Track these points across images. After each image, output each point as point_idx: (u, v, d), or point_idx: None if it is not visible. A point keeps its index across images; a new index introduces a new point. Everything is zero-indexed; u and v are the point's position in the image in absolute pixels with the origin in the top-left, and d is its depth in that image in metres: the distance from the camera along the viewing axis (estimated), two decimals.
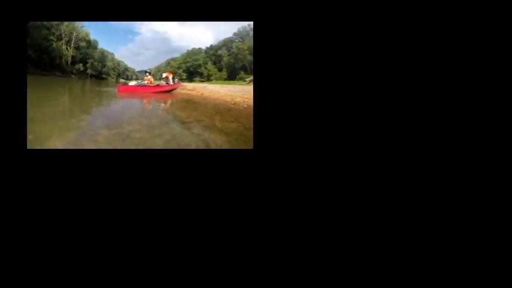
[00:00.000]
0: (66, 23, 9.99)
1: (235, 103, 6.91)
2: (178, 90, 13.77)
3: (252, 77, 2.07)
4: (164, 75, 11.06)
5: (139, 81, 9.30)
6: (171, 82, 10.01)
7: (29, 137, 2.25)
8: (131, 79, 9.41)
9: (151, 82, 8.83)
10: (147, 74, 9.24)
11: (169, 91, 9.30)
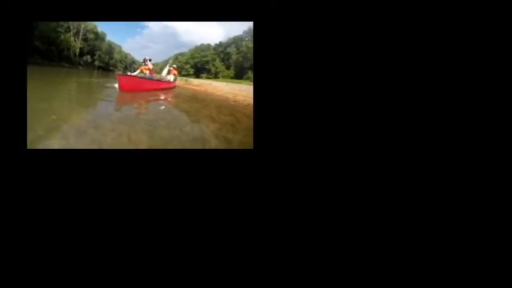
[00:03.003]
0: None
1: (235, 101, 6.91)
2: (183, 85, 13.68)
3: None
4: (171, 70, 10.57)
5: (134, 72, 7.37)
6: (172, 78, 9.38)
7: (53, 117, 2.56)
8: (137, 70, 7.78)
9: (151, 71, 7.41)
10: (147, 62, 7.44)
11: (169, 88, 8.46)
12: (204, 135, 2.56)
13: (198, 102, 5.85)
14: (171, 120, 3.21)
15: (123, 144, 2.08)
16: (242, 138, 2.58)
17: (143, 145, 2.07)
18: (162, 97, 5.78)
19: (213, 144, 2.27)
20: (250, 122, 3.67)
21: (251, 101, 7.18)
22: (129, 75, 6.27)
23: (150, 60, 7.45)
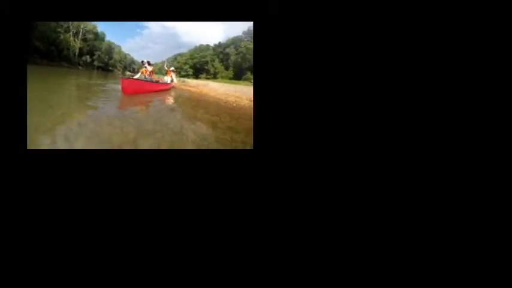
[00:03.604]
0: None
1: (226, 101, 7.18)
2: (180, 86, 13.88)
3: None
4: (168, 72, 10.99)
5: (137, 75, 7.77)
6: (169, 80, 9.87)
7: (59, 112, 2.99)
8: (137, 73, 8.01)
9: (150, 73, 7.80)
10: (145, 64, 7.77)
11: (167, 90, 8.88)
12: (183, 131, 2.99)
13: (189, 103, 6.17)
14: (158, 118, 3.58)
15: (116, 133, 2.47)
16: (219, 135, 2.92)
17: (131, 135, 2.46)
18: (157, 98, 6.19)
19: (190, 139, 2.64)
20: (232, 122, 4.02)
21: (241, 102, 7.55)
22: (132, 79, 6.57)
23: (148, 62, 7.85)
